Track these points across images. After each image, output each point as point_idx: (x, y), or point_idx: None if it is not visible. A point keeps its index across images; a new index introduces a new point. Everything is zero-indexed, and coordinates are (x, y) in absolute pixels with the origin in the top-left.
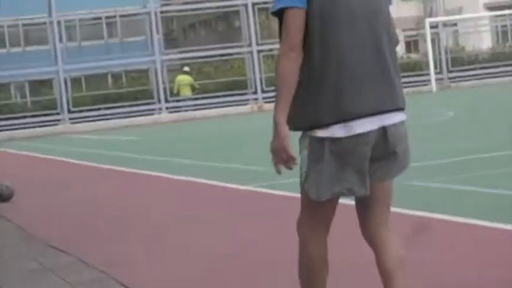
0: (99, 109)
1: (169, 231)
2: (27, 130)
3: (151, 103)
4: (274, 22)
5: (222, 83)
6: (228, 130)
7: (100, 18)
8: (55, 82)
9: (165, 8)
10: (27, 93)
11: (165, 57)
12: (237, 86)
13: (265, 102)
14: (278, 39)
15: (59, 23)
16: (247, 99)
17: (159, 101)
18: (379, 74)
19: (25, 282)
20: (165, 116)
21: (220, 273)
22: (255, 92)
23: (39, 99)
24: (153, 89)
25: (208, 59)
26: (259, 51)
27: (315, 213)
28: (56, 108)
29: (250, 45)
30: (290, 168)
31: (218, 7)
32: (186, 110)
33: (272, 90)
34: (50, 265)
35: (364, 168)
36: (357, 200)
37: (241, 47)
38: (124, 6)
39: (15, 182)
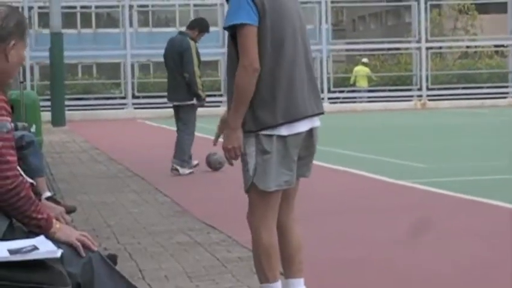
0: None
1: (319, 218)
2: None
3: None
4: (446, 20)
5: (388, 77)
6: (389, 125)
7: None
8: (220, 63)
9: None
10: None
11: (331, 47)
12: (402, 82)
13: (429, 99)
14: (441, 37)
15: None
16: (411, 96)
17: (322, 90)
18: (311, 82)
19: (175, 253)
20: (326, 105)
21: (373, 256)
22: (420, 89)
23: (204, 79)
24: (317, 78)
25: (376, 52)
26: (427, 48)
27: (265, 205)
28: (219, 90)
29: (419, 41)
30: (232, 162)
31: (390, 1)
32: (361, 102)
33: (438, 88)
34: (201, 240)
35: (295, 162)
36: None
37: (409, 42)
38: None
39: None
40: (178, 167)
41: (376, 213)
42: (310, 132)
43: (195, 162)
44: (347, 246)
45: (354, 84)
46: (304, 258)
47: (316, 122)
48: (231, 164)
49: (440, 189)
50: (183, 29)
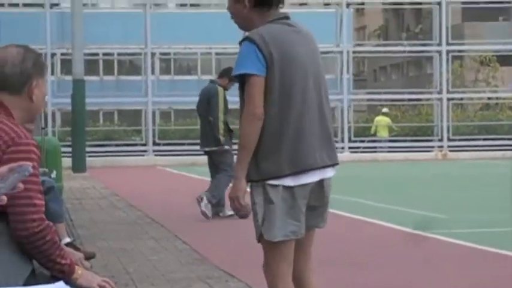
0: None
1: (336, 268)
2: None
3: None
4: (467, 71)
5: (408, 127)
6: (410, 175)
7: None
8: None
9: (357, 48)
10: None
11: (353, 97)
12: (423, 132)
13: (451, 150)
14: (463, 89)
15: None
16: (432, 146)
17: (342, 140)
18: (323, 133)
19: None
20: (346, 155)
21: None
22: (441, 140)
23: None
24: (337, 127)
25: (397, 103)
26: (449, 99)
27: (278, 256)
28: None
29: (440, 92)
30: (242, 217)
31: (411, 52)
32: (381, 151)
33: (459, 139)
34: None
35: (303, 213)
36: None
37: (431, 93)
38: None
39: (192, 206)
40: (204, 197)
41: (394, 264)
42: (321, 183)
43: (229, 212)
44: None
45: (374, 134)
46: None
47: (328, 173)
48: (240, 217)
49: (459, 240)
50: (205, 77)
